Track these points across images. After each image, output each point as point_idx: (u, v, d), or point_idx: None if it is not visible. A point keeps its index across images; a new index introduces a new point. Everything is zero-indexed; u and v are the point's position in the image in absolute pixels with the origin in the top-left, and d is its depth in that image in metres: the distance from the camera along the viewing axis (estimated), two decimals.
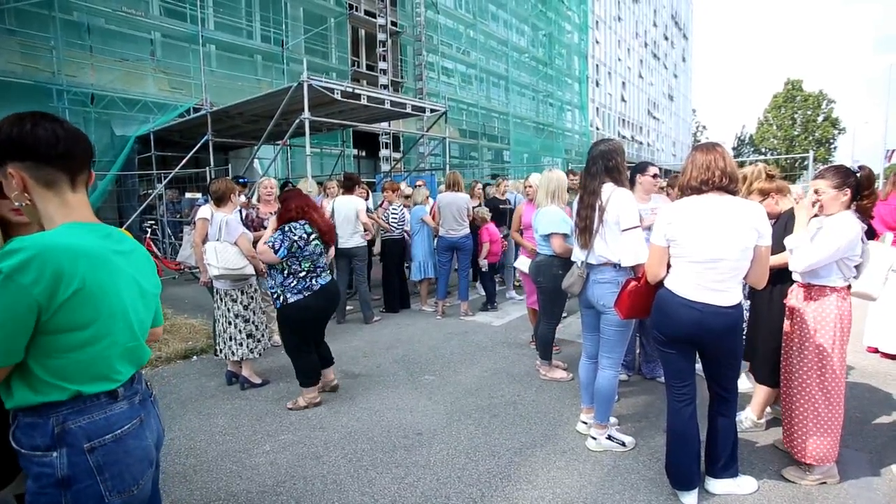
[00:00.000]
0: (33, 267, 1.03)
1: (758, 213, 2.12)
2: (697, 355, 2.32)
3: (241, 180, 6.12)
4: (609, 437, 2.81)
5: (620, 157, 2.72)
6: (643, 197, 3.43)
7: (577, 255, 2.87)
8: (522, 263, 4.26)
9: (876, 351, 4.32)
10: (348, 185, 5.51)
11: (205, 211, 4.01)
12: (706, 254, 2.12)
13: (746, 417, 2.96)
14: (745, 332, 2.81)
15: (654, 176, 3.44)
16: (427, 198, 6.33)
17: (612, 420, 2.91)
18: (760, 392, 2.94)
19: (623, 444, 2.79)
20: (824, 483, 2.42)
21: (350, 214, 5.31)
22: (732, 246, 2.09)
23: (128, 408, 1.23)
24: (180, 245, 6.89)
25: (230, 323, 3.78)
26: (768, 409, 3.05)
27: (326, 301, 3.43)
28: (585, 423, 2.98)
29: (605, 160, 2.70)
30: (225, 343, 3.80)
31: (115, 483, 1.17)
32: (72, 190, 1.19)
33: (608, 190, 2.66)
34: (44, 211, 1.16)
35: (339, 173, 10.80)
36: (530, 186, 4.42)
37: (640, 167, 3.48)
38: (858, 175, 2.37)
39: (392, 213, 6.05)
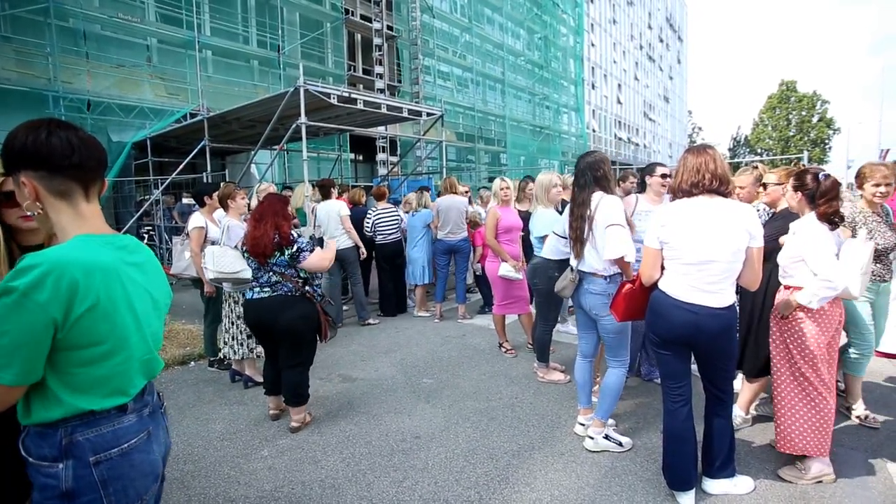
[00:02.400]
0: (48, 283, 1.01)
1: (749, 215, 2.14)
2: (693, 356, 2.34)
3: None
4: (606, 437, 2.83)
5: (606, 166, 2.83)
6: (654, 199, 3.46)
7: (571, 260, 2.93)
8: (507, 270, 4.28)
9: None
10: (324, 192, 5.54)
11: (198, 219, 4.02)
12: (698, 255, 2.14)
13: (737, 415, 2.99)
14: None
15: (663, 176, 3.48)
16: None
17: (610, 421, 2.93)
18: (747, 389, 3.02)
19: (620, 445, 2.81)
20: (820, 482, 2.44)
21: (332, 218, 5.34)
22: (724, 248, 2.11)
23: (136, 420, 1.22)
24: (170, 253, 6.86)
25: (233, 323, 3.86)
26: (756, 404, 3.13)
27: (248, 314, 3.15)
28: (583, 424, 2.99)
29: (593, 171, 2.79)
30: (226, 343, 3.89)
31: (119, 498, 1.15)
32: (85, 200, 1.17)
33: (596, 198, 2.75)
34: (56, 221, 1.15)
35: (336, 178, 10.82)
36: (507, 188, 4.45)
37: (649, 169, 3.51)
38: (820, 182, 2.43)
39: (366, 219, 6.00)
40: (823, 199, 2.41)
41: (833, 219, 2.40)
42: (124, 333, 1.16)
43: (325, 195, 5.51)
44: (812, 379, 2.45)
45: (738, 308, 2.29)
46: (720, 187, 2.16)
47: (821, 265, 2.31)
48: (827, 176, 2.45)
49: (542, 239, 3.54)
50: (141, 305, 1.21)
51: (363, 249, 5.59)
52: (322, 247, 5.30)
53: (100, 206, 1.24)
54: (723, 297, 2.16)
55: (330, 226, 5.36)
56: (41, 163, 1.10)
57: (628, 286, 2.49)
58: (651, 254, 2.32)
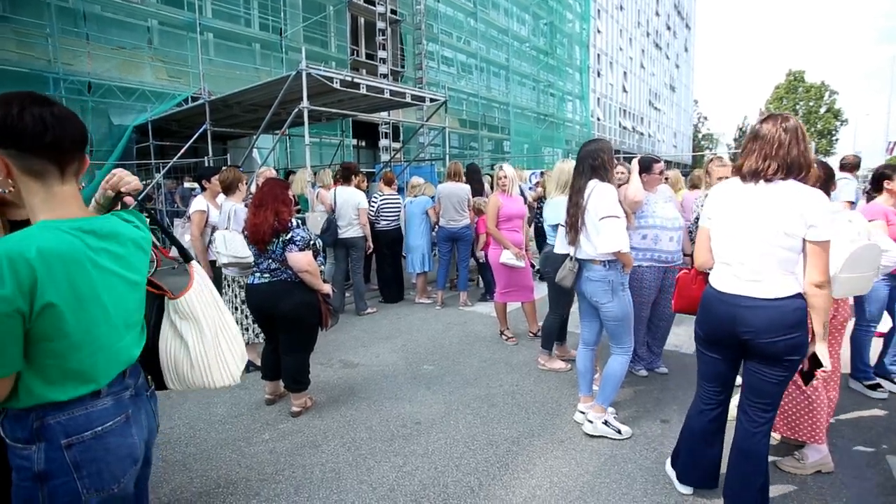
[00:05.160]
0: (7, 277, 0.97)
1: (810, 201, 1.75)
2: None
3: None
4: (605, 423, 2.84)
5: (607, 155, 2.79)
6: (649, 190, 3.45)
7: (568, 249, 2.94)
8: (508, 257, 4.28)
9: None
10: (346, 175, 5.50)
11: (200, 202, 4.02)
12: (734, 237, 1.90)
13: (733, 406, 2.97)
14: None
15: (661, 173, 3.50)
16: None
17: (610, 409, 2.94)
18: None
19: (619, 432, 2.82)
20: (819, 472, 2.45)
21: (350, 205, 5.32)
22: (766, 230, 1.81)
23: (112, 404, 1.19)
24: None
25: (237, 308, 3.86)
26: None
27: (250, 298, 3.15)
28: (583, 412, 3.00)
29: (592, 159, 2.78)
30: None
31: (93, 481, 1.14)
32: (60, 181, 1.12)
33: (591, 187, 2.73)
34: (27, 202, 1.10)
35: (338, 163, 10.75)
36: (504, 177, 4.43)
37: (645, 167, 3.43)
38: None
39: (371, 204, 5.97)
40: None
41: None
42: (91, 325, 1.12)
43: (347, 179, 5.47)
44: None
45: (806, 307, 1.85)
46: (788, 177, 1.81)
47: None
48: (819, 164, 2.41)
49: (555, 227, 3.53)
50: (109, 294, 1.16)
51: (370, 242, 5.60)
52: (336, 228, 5.29)
53: (78, 185, 1.18)
54: (768, 286, 1.83)
55: (349, 214, 5.33)
56: (12, 141, 1.05)
57: (683, 272, 2.38)
58: (702, 233, 2.12)
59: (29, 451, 1.09)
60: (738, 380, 2.10)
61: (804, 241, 1.79)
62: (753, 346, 1.89)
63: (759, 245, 1.84)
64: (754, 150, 1.87)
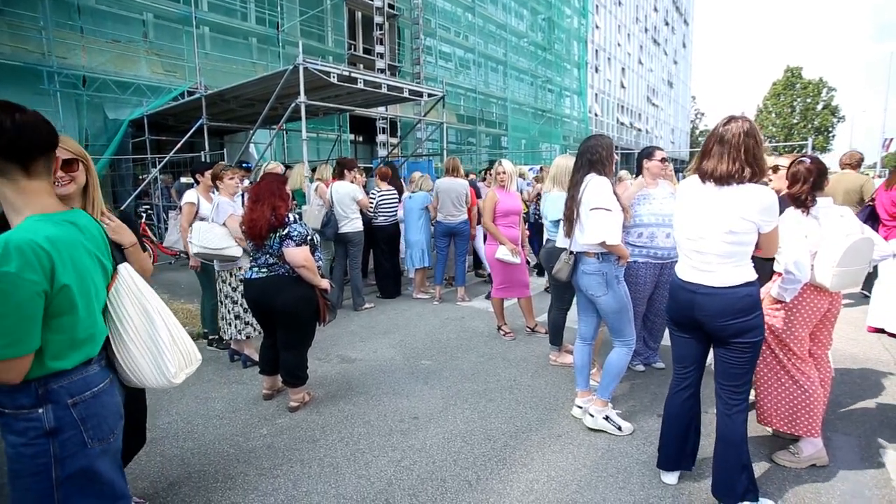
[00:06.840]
0: (34, 262, 1.15)
1: (754, 203, 1.93)
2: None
3: (244, 165, 6.08)
4: (606, 418, 2.85)
5: (605, 150, 2.81)
6: (650, 182, 3.45)
7: (564, 242, 2.95)
8: (504, 253, 4.28)
9: (878, 331, 4.35)
10: (339, 171, 5.49)
11: (191, 195, 4.05)
12: (688, 233, 2.11)
13: None
14: None
15: (662, 160, 3.46)
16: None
17: (610, 406, 2.95)
18: None
19: (619, 429, 2.82)
20: (814, 465, 2.47)
21: (345, 200, 5.30)
22: (713, 229, 2.00)
23: (99, 370, 1.41)
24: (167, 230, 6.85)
25: (221, 303, 3.89)
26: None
27: (248, 293, 3.13)
28: (580, 407, 3.01)
29: (590, 155, 2.81)
30: (219, 322, 3.93)
31: (96, 432, 1.36)
32: (27, 177, 1.25)
33: (587, 180, 2.76)
34: (2, 195, 1.25)
35: (335, 158, 10.71)
36: (503, 173, 4.43)
37: (647, 153, 3.50)
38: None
39: (370, 198, 5.99)
40: (791, 181, 2.45)
41: (803, 201, 2.42)
42: (89, 300, 1.32)
43: (340, 175, 5.45)
44: (785, 363, 2.51)
45: (756, 293, 2.05)
46: (751, 179, 1.96)
47: (782, 256, 2.31)
48: (812, 160, 2.45)
49: (557, 223, 3.53)
50: (95, 274, 1.37)
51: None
52: (335, 221, 5.27)
53: (51, 180, 1.33)
54: (720, 276, 2.03)
55: (346, 208, 5.32)
56: None
57: None
58: None
59: (37, 413, 1.27)
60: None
61: (759, 234, 1.99)
62: (710, 330, 2.10)
63: (712, 240, 2.02)
64: (711, 152, 2.03)
